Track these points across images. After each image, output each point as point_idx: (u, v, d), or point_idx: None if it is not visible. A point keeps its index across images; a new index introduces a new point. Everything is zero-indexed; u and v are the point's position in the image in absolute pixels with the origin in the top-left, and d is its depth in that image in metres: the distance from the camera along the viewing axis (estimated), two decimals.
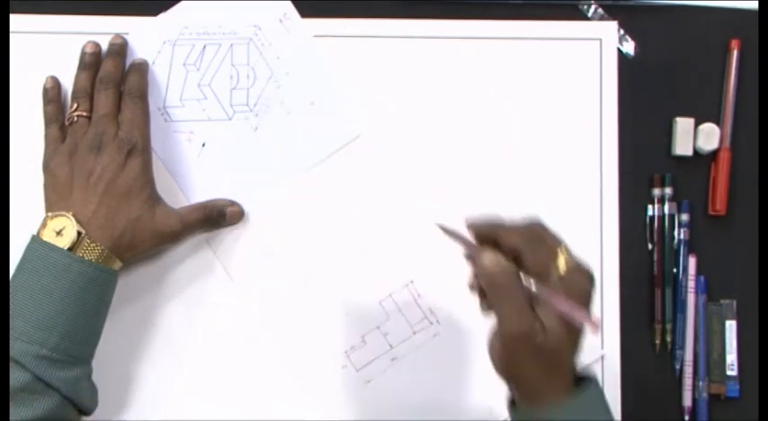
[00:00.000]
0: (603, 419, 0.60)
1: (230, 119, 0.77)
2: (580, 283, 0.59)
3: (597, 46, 0.79)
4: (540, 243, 0.60)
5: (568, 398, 0.59)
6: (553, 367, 0.59)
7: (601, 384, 0.62)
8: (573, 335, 0.59)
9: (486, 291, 0.59)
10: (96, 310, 0.69)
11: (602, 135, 0.78)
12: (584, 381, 0.60)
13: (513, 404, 0.62)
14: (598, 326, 0.59)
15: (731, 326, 0.78)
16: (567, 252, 0.59)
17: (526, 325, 0.58)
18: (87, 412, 0.69)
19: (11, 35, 0.76)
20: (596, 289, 0.60)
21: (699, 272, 0.78)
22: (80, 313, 0.67)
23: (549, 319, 0.58)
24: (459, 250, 0.62)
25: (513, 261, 0.59)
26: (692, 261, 0.78)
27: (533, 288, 0.59)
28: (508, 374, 0.61)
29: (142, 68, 0.75)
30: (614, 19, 0.79)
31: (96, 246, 0.68)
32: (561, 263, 0.59)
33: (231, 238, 0.76)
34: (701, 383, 0.77)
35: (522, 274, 0.59)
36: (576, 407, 0.59)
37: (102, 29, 0.76)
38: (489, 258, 0.59)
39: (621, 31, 0.79)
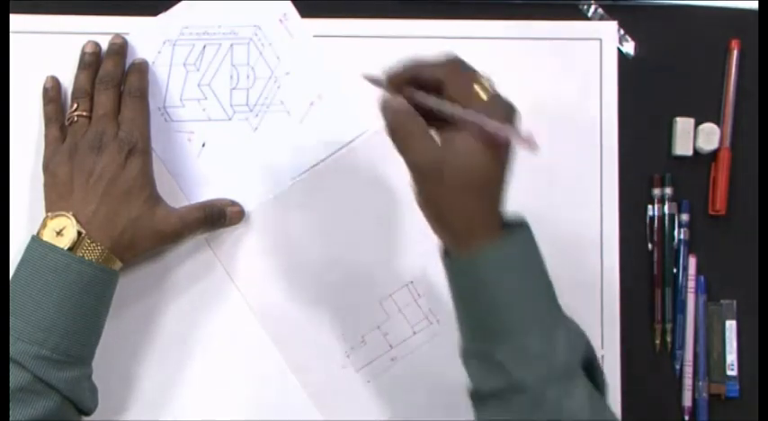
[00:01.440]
0: (536, 268, 0.60)
1: (230, 119, 0.77)
2: (502, 109, 0.58)
3: (597, 46, 0.79)
4: (460, 72, 0.60)
5: (500, 239, 0.58)
6: (473, 197, 0.58)
7: (533, 232, 0.61)
8: (493, 161, 0.58)
9: (389, 135, 0.60)
10: (96, 310, 0.69)
11: (602, 135, 0.78)
12: (514, 226, 0.60)
13: (446, 255, 0.61)
14: (532, 141, 0.56)
15: (731, 327, 0.78)
16: (488, 81, 0.59)
17: (430, 153, 0.58)
18: (87, 412, 0.69)
19: (11, 35, 0.76)
20: (520, 119, 0.59)
21: (699, 272, 0.78)
22: (80, 313, 0.67)
23: (465, 145, 0.57)
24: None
25: (435, 93, 0.59)
26: (692, 261, 0.78)
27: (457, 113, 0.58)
28: (432, 215, 0.60)
29: (142, 68, 0.75)
30: (614, 19, 0.79)
31: (96, 246, 0.68)
32: (481, 89, 0.58)
33: (231, 238, 0.76)
34: (700, 383, 0.77)
35: (448, 103, 0.58)
36: (506, 250, 0.59)
37: (102, 29, 0.76)
38: (386, 101, 0.60)
39: (621, 31, 0.79)
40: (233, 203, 0.76)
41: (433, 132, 0.60)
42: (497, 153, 0.58)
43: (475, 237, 0.59)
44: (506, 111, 0.58)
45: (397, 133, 0.60)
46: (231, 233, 0.76)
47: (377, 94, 0.65)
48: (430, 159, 0.58)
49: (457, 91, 0.59)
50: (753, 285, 0.77)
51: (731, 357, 0.78)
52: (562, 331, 0.59)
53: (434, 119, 0.60)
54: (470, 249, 0.59)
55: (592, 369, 0.61)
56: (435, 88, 0.59)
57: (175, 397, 0.75)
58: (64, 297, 0.66)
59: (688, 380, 0.77)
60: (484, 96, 0.58)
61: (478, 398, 0.61)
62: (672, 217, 0.78)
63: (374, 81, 0.63)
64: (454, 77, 0.59)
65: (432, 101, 0.59)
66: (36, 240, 0.68)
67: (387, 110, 0.60)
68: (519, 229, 0.60)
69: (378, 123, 0.77)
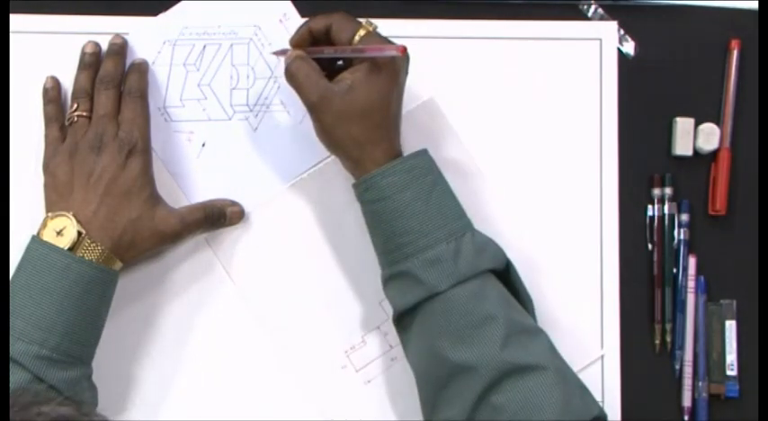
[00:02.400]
0: (433, 180, 0.67)
1: (230, 119, 0.77)
2: (380, 41, 0.67)
3: (597, 46, 0.79)
4: (346, 19, 0.69)
5: (392, 160, 0.67)
6: (367, 126, 0.67)
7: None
8: (379, 87, 0.66)
9: (287, 79, 0.69)
10: (96, 311, 0.69)
11: (602, 135, 0.78)
12: (416, 152, 0.68)
13: (353, 183, 0.69)
14: (403, 48, 0.65)
15: (731, 326, 0.78)
16: (371, 23, 0.68)
17: (320, 90, 0.67)
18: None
19: (11, 35, 0.75)
20: (408, 63, 0.68)
21: (699, 272, 0.78)
22: (80, 313, 0.67)
23: (351, 78, 0.67)
24: None
25: (326, 41, 0.69)
26: (692, 261, 0.78)
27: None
28: (330, 144, 0.69)
29: (142, 68, 0.75)
30: (614, 19, 0.79)
31: (97, 246, 0.68)
32: (363, 30, 0.67)
33: (231, 238, 0.76)
34: (700, 383, 0.77)
35: (335, 46, 0.68)
36: (401, 167, 0.66)
37: (102, 29, 0.76)
38: (287, 54, 0.70)
39: (621, 31, 0.79)
40: (233, 203, 0.76)
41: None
42: (381, 80, 0.66)
43: (370, 160, 0.67)
44: (383, 41, 0.67)
45: (292, 76, 0.68)
46: (231, 233, 0.76)
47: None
48: (320, 93, 0.67)
49: (342, 34, 0.68)
50: (753, 285, 0.77)
51: (731, 357, 0.78)
52: (468, 239, 0.66)
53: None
54: (367, 171, 0.67)
55: (507, 275, 0.67)
56: (328, 40, 0.69)
57: (175, 397, 0.75)
58: (64, 297, 0.66)
59: (688, 380, 0.77)
60: (364, 33, 0.67)
61: (401, 320, 0.68)
62: (672, 217, 0.78)
63: (281, 53, 0.72)
64: (339, 23, 0.68)
65: (325, 50, 0.69)
66: (36, 240, 0.68)
67: (285, 61, 0.69)
68: (415, 153, 0.68)
69: None
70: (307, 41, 0.70)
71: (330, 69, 0.70)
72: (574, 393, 0.63)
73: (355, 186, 0.69)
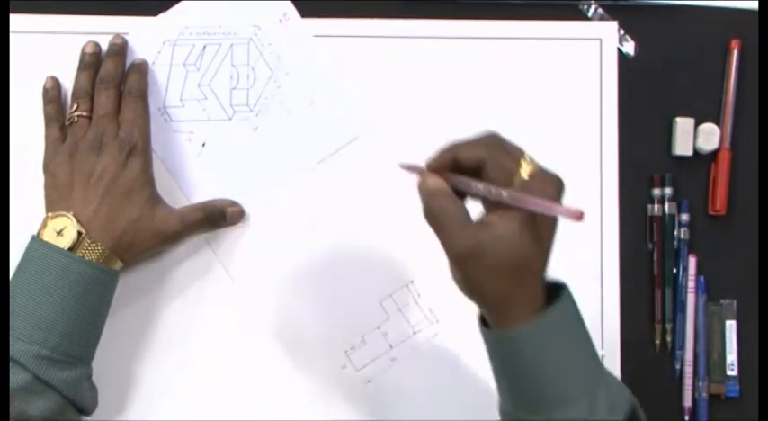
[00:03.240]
0: (575, 335, 0.59)
1: (230, 119, 0.77)
2: (546, 187, 0.56)
3: (597, 46, 0.79)
4: (502, 151, 0.57)
5: (538, 317, 0.56)
6: (512, 281, 0.56)
7: (574, 297, 0.59)
8: (536, 240, 0.56)
9: (425, 218, 0.57)
10: (97, 310, 0.69)
11: (602, 135, 0.78)
12: (556, 296, 0.58)
13: (484, 323, 0.59)
14: (580, 213, 0.53)
15: (731, 327, 0.78)
16: (531, 159, 0.57)
17: (470, 240, 0.55)
18: (87, 412, 0.69)
19: (11, 35, 0.75)
20: (565, 194, 0.57)
21: (699, 272, 0.78)
22: (80, 313, 0.67)
23: (505, 228, 0.55)
24: None
25: (475, 174, 0.57)
26: (692, 261, 0.78)
27: (503, 194, 0.55)
28: (472, 295, 0.58)
29: (142, 68, 0.75)
30: (614, 19, 0.79)
31: (97, 246, 0.68)
32: (524, 168, 0.56)
33: (231, 238, 0.76)
34: (701, 383, 0.77)
35: (491, 187, 0.56)
36: (546, 327, 0.57)
37: (102, 29, 0.76)
38: (422, 181, 0.57)
39: (621, 31, 0.79)
40: (233, 203, 0.76)
41: (471, 210, 0.58)
42: (539, 233, 0.56)
43: (514, 313, 0.57)
44: (548, 191, 0.56)
45: (433, 217, 0.57)
46: (231, 233, 0.76)
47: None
48: (468, 246, 0.55)
49: (497, 173, 0.56)
50: (753, 285, 0.77)
51: (731, 357, 0.78)
52: (602, 391, 0.58)
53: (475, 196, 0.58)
54: (508, 325, 0.57)
55: (635, 419, 0.60)
56: (477, 169, 0.57)
57: (175, 397, 0.75)
58: (64, 297, 0.66)
59: (688, 380, 0.77)
60: (526, 174, 0.56)
61: None
62: (672, 217, 0.78)
63: (412, 169, 0.60)
64: (494, 157, 0.57)
65: (473, 186, 0.57)
66: (36, 240, 0.68)
67: (423, 191, 0.58)
68: (558, 301, 0.58)
69: (377, 125, 0.77)
70: (449, 170, 0.58)
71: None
72: None
73: (489, 336, 0.59)
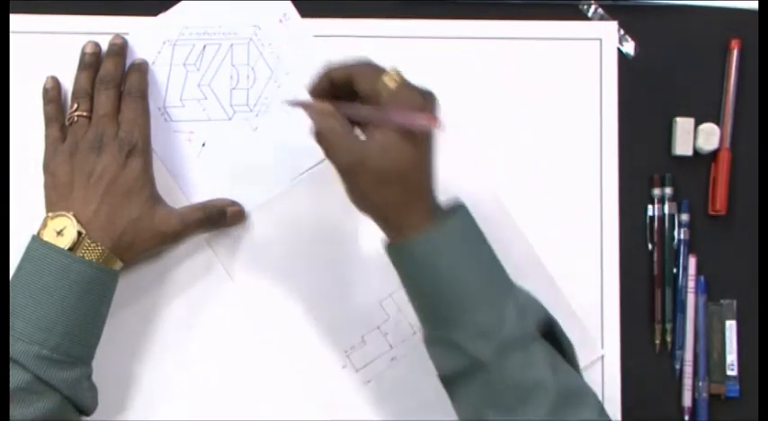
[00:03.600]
0: (474, 248, 0.63)
1: (230, 119, 0.77)
2: (411, 97, 0.61)
3: (597, 46, 0.79)
4: (368, 66, 0.64)
5: (430, 226, 0.61)
6: (403, 189, 0.61)
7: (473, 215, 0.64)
8: (415, 149, 0.61)
9: (314, 137, 0.63)
10: (97, 311, 0.69)
11: (602, 135, 0.78)
12: (453, 210, 0.63)
13: (388, 246, 0.64)
14: (437, 121, 0.60)
15: (731, 327, 0.78)
16: (397, 73, 0.62)
17: (353, 152, 0.61)
18: (87, 412, 0.69)
19: (11, 35, 0.76)
20: (437, 105, 0.63)
21: (699, 272, 0.78)
22: (80, 313, 0.67)
23: (384, 139, 0.60)
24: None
25: (347, 90, 0.63)
26: (692, 261, 0.78)
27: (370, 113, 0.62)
28: (365, 209, 0.64)
29: (142, 68, 0.75)
30: (614, 19, 0.79)
31: (97, 246, 0.68)
32: (388, 80, 0.62)
33: (231, 238, 0.76)
34: (700, 383, 0.77)
35: (363, 107, 0.62)
36: (439, 235, 0.61)
37: (102, 29, 0.76)
38: (312, 105, 0.64)
39: (621, 31, 0.79)
40: (233, 203, 0.76)
41: (359, 132, 0.63)
42: (415, 141, 0.61)
43: (407, 224, 0.62)
44: (413, 100, 0.61)
45: (321, 134, 0.63)
46: (231, 233, 0.76)
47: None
48: (353, 156, 0.61)
49: (364, 88, 0.62)
50: (753, 285, 0.77)
51: (731, 357, 0.78)
52: (510, 301, 0.61)
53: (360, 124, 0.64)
54: (404, 236, 0.62)
55: (553, 333, 0.63)
56: (349, 90, 0.63)
57: (175, 397, 0.75)
58: (64, 297, 0.66)
59: (688, 380, 0.77)
60: (392, 86, 0.62)
61: (447, 381, 0.64)
62: (672, 217, 0.78)
63: (296, 104, 0.67)
64: (362, 73, 0.63)
65: (346, 107, 0.63)
66: (36, 240, 0.68)
67: (312, 113, 0.64)
68: (452, 213, 0.63)
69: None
70: (327, 91, 0.65)
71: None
72: None
73: (389, 251, 0.64)
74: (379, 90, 0.62)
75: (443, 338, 0.62)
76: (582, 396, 0.62)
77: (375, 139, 0.61)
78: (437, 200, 0.64)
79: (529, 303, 0.63)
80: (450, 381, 0.64)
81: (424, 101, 0.62)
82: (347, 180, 0.63)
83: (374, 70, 0.63)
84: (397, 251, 0.64)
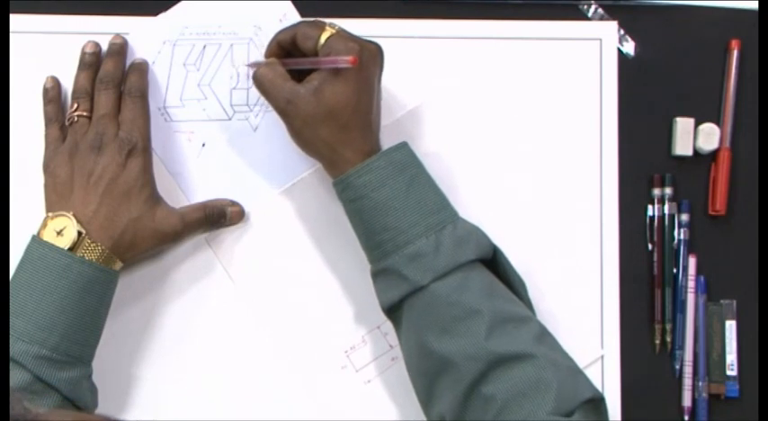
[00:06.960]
0: (413, 179, 0.67)
1: (230, 119, 0.77)
2: (342, 44, 0.66)
3: (597, 46, 0.79)
4: (308, 23, 0.70)
5: (366, 158, 0.67)
6: (338, 127, 0.67)
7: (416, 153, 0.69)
8: (345, 88, 0.66)
9: (256, 86, 0.69)
10: (97, 310, 0.69)
11: (602, 135, 0.78)
12: (393, 148, 0.68)
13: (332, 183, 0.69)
14: (351, 58, 0.65)
15: (731, 327, 0.78)
16: (333, 26, 0.69)
17: (289, 92, 0.67)
18: (87, 412, 0.69)
19: (11, 35, 0.76)
20: (373, 52, 0.68)
21: (699, 272, 0.78)
22: (80, 313, 0.67)
23: (316, 82, 0.66)
24: None
25: (296, 49, 0.69)
26: (692, 261, 0.78)
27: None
28: (306, 147, 0.69)
29: (142, 68, 0.75)
30: (614, 19, 0.79)
31: (97, 246, 0.68)
32: (325, 33, 0.68)
33: (231, 238, 0.76)
34: (700, 383, 0.77)
35: (297, 58, 0.69)
36: (375, 166, 0.66)
37: (102, 29, 0.76)
38: (258, 63, 0.70)
39: (621, 31, 0.79)
40: (233, 203, 0.76)
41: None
42: (346, 82, 0.66)
43: (342, 160, 0.67)
44: (347, 45, 0.66)
45: (259, 83, 0.69)
46: (231, 233, 0.76)
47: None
48: (287, 97, 0.67)
49: (306, 41, 0.68)
50: (753, 285, 0.77)
51: (731, 357, 0.78)
52: (448, 230, 0.66)
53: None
54: (341, 172, 0.67)
55: (495, 262, 0.67)
56: (297, 48, 0.69)
57: (175, 397, 0.75)
58: (64, 297, 0.66)
59: (688, 380, 0.77)
60: (325, 38, 0.67)
61: (392, 312, 0.68)
62: (672, 217, 0.78)
63: (251, 64, 0.74)
64: (302, 31, 0.69)
65: (287, 61, 0.70)
66: (36, 240, 0.68)
67: (255, 68, 0.70)
68: (392, 149, 0.67)
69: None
70: (277, 54, 0.71)
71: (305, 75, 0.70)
72: (564, 378, 0.63)
73: (334, 186, 0.69)
74: (318, 43, 0.67)
75: (384, 268, 0.66)
76: (520, 320, 0.65)
77: (310, 82, 0.67)
78: (377, 138, 0.69)
79: (471, 236, 0.66)
80: (394, 310, 0.67)
81: (357, 46, 0.66)
82: (285, 121, 0.69)
83: (314, 27, 0.68)
84: (336, 186, 0.68)
